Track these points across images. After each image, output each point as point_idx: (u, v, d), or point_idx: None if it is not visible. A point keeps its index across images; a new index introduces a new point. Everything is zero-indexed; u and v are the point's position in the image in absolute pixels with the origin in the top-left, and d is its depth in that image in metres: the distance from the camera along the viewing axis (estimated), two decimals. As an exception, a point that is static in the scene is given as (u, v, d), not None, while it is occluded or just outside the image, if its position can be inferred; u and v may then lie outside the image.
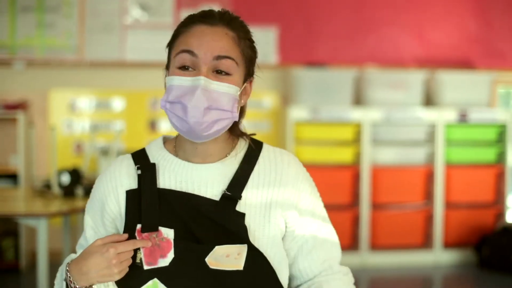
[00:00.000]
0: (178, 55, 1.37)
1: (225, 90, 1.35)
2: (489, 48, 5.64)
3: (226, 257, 1.35)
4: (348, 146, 5.07)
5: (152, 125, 5.24)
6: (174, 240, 1.35)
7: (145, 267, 1.36)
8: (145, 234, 1.36)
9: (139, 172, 1.42)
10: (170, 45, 1.42)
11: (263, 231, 1.40)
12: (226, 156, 1.44)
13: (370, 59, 5.48)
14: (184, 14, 5.15)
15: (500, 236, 4.95)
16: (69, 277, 1.36)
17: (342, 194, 5.01)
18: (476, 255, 5.07)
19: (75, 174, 3.61)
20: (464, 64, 5.58)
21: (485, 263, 4.95)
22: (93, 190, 1.48)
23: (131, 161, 1.46)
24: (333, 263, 1.49)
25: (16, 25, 5.08)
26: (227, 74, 1.36)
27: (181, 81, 1.35)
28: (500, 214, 5.24)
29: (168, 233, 1.36)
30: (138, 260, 1.36)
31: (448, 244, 5.17)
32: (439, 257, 5.13)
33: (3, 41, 5.07)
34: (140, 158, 1.46)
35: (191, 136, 1.37)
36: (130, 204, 1.40)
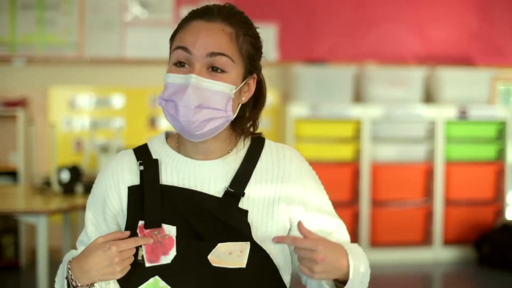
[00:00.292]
0: (174, 52, 1.36)
1: (218, 89, 1.32)
2: (489, 45, 5.64)
3: (229, 255, 1.34)
4: (348, 143, 5.07)
5: (152, 122, 5.24)
6: (177, 237, 1.34)
7: (147, 264, 1.35)
8: (147, 231, 1.35)
9: (142, 168, 1.40)
10: (171, 40, 1.41)
11: (266, 227, 1.40)
12: (229, 152, 1.43)
13: (370, 56, 5.48)
14: (184, 11, 5.16)
15: (500, 233, 4.95)
16: (71, 275, 1.35)
17: (342, 191, 5.01)
18: (476, 252, 5.07)
19: (75, 171, 3.61)
20: (464, 61, 5.58)
21: (485, 260, 4.96)
22: (94, 186, 1.46)
23: (133, 157, 1.44)
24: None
25: (16, 22, 5.07)
26: (222, 71, 1.33)
27: (174, 78, 1.34)
28: (500, 211, 5.24)
29: (170, 230, 1.35)
30: (139, 257, 1.35)
31: (448, 241, 5.18)
32: (439, 254, 5.14)
33: (3, 38, 5.07)
34: (142, 153, 1.44)
35: (185, 135, 1.36)
36: (132, 200, 1.39)
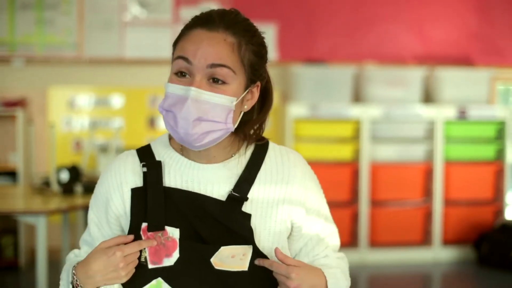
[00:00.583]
0: (175, 61, 1.34)
1: (218, 101, 1.31)
2: (489, 45, 5.64)
3: (231, 258, 1.34)
4: (347, 143, 5.07)
5: (151, 122, 5.24)
6: (180, 239, 1.34)
7: (150, 266, 1.35)
8: (151, 233, 1.35)
9: (145, 169, 1.39)
10: (174, 45, 1.38)
11: (269, 229, 1.40)
12: (232, 156, 1.42)
13: (369, 56, 5.48)
14: (183, 11, 5.16)
15: (499, 233, 4.95)
16: (76, 280, 1.35)
17: (341, 191, 5.01)
18: (475, 252, 5.07)
19: (74, 172, 3.60)
20: (464, 61, 5.58)
21: (484, 260, 4.96)
22: (97, 186, 1.46)
23: (136, 158, 1.43)
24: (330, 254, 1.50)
25: (16, 22, 5.07)
26: (223, 82, 1.32)
27: (174, 89, 1.32)
28: (499, 211, 5.25)
29: (173, 232, 1.35)
30: (142, 259, 1.36)
31: (447, 241, 5.18)
32: (438, 254, 5.14)
33: (2, 38, 5.06)
34: (146, 155, 1.43)
35: (185, 145, 1.36)
36: (136, 202, 1.38)
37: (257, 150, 1.44)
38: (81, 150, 5.08)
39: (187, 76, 1.33)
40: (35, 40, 5.09)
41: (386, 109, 5.04)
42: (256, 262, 1.35)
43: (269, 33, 5.16)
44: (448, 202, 5.18)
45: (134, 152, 1.45)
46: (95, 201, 1.45)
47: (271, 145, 1.47)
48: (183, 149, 1.42)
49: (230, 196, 1.37)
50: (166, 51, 5.00)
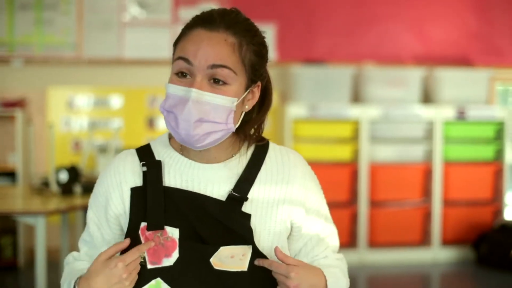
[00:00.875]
0: (176, 61, 1.34)
1: (219, 102, 1.31)
2: (488, 45, 5.64)
3: (231, 258, 1.34)
4: (346, 144, 5.07)
5: (151, 123, 5.23)
6: (179, 239, 1.34)
7: (149, 266, 1.35)
8: (150, 232, 1.35)
9: (144, 169, 1.39)
10: (175, 45, 1.38)
11: (269, 229, 1.40)
12: (232, 156, 1.42)
13: (368, 56, 5.48)
14: (183, 11, 5.16)
15: (498, 233, 4.95)
16: None
17: (340, 191, 5.00)
18: (474, 252, 5.07)
19: (73, 172, 3.60)
20: (463, 61, 5.58)
21: (483, 261, 4.96)
22: (96, 185, 1.45)
23: (135, 157, 1.43)
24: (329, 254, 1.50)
25: (15, 22, 5.07)
26: (224, 83, 1.32)
27: (175, 89, 1.32)
28: (498, 212, 5.25)
29: (173, 232, 1.35)
30: (141, 259, 1.35)
31: (446, 242, 5.18)
32: (437, 255, 5.14)
33: (1, 39, 5.06)
34: (145, 154, 1.43)
35: (186, 145, 1.36)
36: (135, 202, 1.38)
37: (258, 150, 1.44)
38: (80, 151, 5.08)
39: (187, 76, 1.32)
40: (34, 40, 5.09)
41: (385, 109, 5.04)
42: (256, 262, 1.35)
43: (268, 33, 5.11)
44: (447, 203, 5.18)
45: (134, 152, 1.44)
46: (95, 200, 1.45)
47: (271, 145, 1.47)
48: (183, 149, 1.42)
49: (230, 196, 1.37)
50: (165, 52, 5.00)
